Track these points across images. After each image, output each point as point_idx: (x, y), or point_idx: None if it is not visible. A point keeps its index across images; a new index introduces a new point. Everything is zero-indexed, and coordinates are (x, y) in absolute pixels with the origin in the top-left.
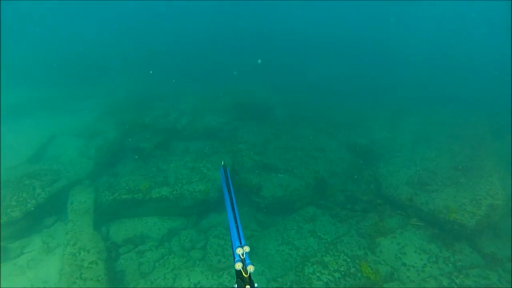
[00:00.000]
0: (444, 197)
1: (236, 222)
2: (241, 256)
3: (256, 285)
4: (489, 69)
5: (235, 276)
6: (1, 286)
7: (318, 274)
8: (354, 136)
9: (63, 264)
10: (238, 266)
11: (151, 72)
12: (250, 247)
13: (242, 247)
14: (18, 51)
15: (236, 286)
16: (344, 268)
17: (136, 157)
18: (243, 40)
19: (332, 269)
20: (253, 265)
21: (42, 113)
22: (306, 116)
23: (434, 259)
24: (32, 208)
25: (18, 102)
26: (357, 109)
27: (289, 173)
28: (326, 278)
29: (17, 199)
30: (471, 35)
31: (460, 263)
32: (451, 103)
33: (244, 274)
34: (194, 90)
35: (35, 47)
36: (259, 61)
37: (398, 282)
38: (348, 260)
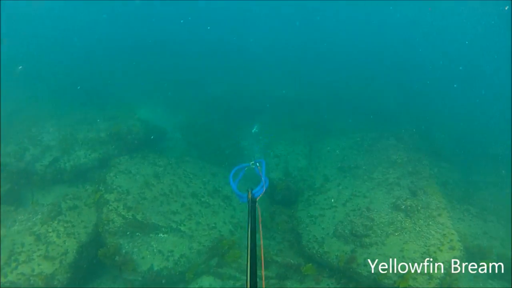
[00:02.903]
0: (387, 252)
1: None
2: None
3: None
4: (419, 81)
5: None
6: None
7: None
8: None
9: None
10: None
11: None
12: None
13: (249, 191)
14: None
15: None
16: None
17: None
18: (131, 47)
19: None
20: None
21: None
22: (203, 143)
23: None
24: None
25: None
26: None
27: (174, 232)
28: None
29: None
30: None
31: None
32: (378, 120)
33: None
34: (66, 113)
35: None
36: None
37: None
38: None
